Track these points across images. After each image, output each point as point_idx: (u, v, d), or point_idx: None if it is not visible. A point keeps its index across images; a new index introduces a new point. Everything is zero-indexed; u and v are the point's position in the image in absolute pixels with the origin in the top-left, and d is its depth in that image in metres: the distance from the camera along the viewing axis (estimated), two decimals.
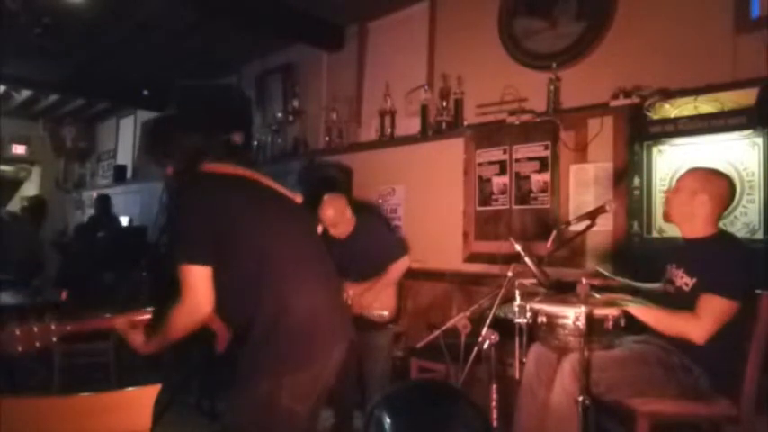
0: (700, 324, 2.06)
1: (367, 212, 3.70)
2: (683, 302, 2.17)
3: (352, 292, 3.13)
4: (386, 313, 3.22)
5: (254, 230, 1.68)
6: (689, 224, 2.28)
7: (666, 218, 2.39)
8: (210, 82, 5.94)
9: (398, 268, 3.23)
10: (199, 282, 1.61)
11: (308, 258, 1.78)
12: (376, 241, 3.29)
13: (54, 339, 1.64)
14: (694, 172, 2.33)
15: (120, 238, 6.83)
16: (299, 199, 1.90)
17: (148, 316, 1.75)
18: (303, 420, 1.66)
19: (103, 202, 7.30)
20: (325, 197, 3.31)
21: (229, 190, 1.73)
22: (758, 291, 2.12)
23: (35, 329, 1.61)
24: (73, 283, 4.94)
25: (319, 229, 2.05)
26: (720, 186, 2.25)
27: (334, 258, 1.94)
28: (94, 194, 8.73)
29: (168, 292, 1.69)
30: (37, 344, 1.61)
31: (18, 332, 1.59)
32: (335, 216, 3.22)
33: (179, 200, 1.76)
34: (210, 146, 1.82)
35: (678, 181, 2.35)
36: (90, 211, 8.30)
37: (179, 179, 1.83)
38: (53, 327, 1.63)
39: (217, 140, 1.82)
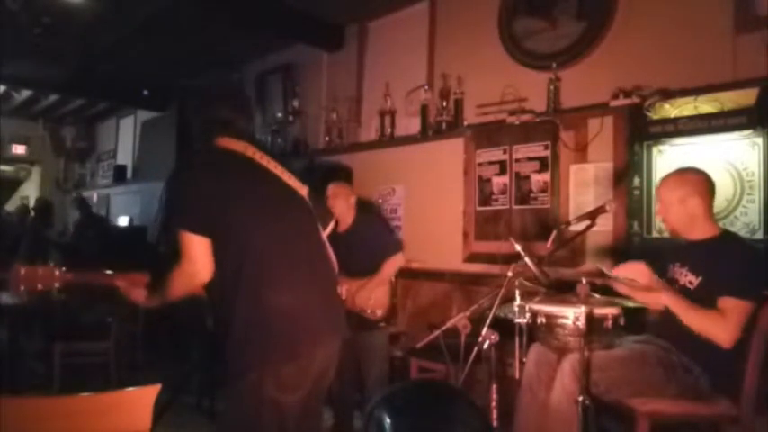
0: (728, 328, 2.04)
1: (366, 210, 3.71)
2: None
3: (346, 288, 3.13)
4: (379, 311, 3.22)
5: (243, 220, 1.67)
6: (691, 229, 2.28)
7: (673, 234, 2.38)
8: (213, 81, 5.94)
9: (392, 265, 3.24)
10: (196, 251, 1.62)
11: (298, 252, 1.75)
12: (372, 237, 3.30)
13: (56, 285, 1.69)
14: (668, 181, 2.32)
15: (110, 237, 6.81)
16: (304, 191, 1.87)
17: (147, 277, 1.81)
18: (292, 411, 1.65)
19: (80, 205, 7.12)
20: (330, 185, 3.35)
21: (232, 173, 1.72)
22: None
23: (39, 272, 1.66)
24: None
25: (331, 225, 2.03)
26: (700, 181, 2.26)
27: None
28: (95, 195, 8.74)
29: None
30: (39, 286, 1.66)
31: (23, 272, 1.65)
32: (341, 202, 3.26)
33: (187, 168, 1.78)
34: (232, 123, 1.82)
35: (661, 197, 2.33)
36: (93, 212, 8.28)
37: (196, 143, 1.86)
38: (57, 272, 1.68)
39: (239, 120, 1.85)
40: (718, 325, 2.06)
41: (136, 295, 1.78)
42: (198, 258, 1.63)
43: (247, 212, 1.68)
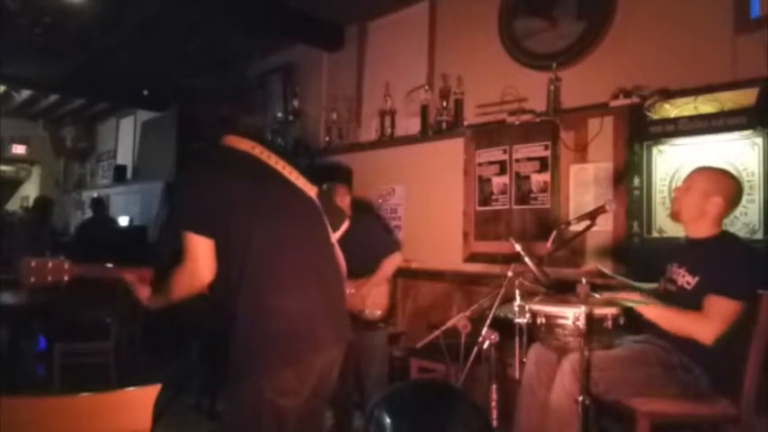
0: (708, 325, 2.05)
1: (363, 210, 3.71)
2: (685, 301, 2.17)
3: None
4: (378, 312, 3.22)
5: (247, 220, 1.65)
6: (696, 224, 2.27)
7: (674, 216, 2.36)
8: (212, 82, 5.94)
9: (390, 264, 3.24)
10: (199, 251, 1.62)
11: (303, 255, 1.73)
12: (369, 236, 3.28)
13: (66, 278, 1.69)
14: (705, 172, 2.31)
15: (114, 238, 6.85)
16: (312, 192, 1.84)
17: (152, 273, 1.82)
18: (292, 415, 1.64)
19: (96, 205, 7.38)
20: (324, 185, 3.33)
21: (237, 172, 1.70)
22: (759, 291, 2.11)
23: (50, 264, 1.67)
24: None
25: (345, 225, 2.00)
26: (732, 188, 2.25)
27: None
28: (95, 194, 8.76)
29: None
30: (49, 278, 1.66)
31: (33, 264, 1.65)
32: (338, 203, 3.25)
33: (191, 167, 1.77)
34: (237, 121, 1.81)
35: (688, 180, 2.31)
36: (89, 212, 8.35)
37: (203, 141, 1.86)
38: (66, 265, 1.69)
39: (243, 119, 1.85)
40: (699, 324, 2.07)
41: (142, 292, 1.77)
42: (201, 259, 1.62)
43: (251, 213, 1.66)
